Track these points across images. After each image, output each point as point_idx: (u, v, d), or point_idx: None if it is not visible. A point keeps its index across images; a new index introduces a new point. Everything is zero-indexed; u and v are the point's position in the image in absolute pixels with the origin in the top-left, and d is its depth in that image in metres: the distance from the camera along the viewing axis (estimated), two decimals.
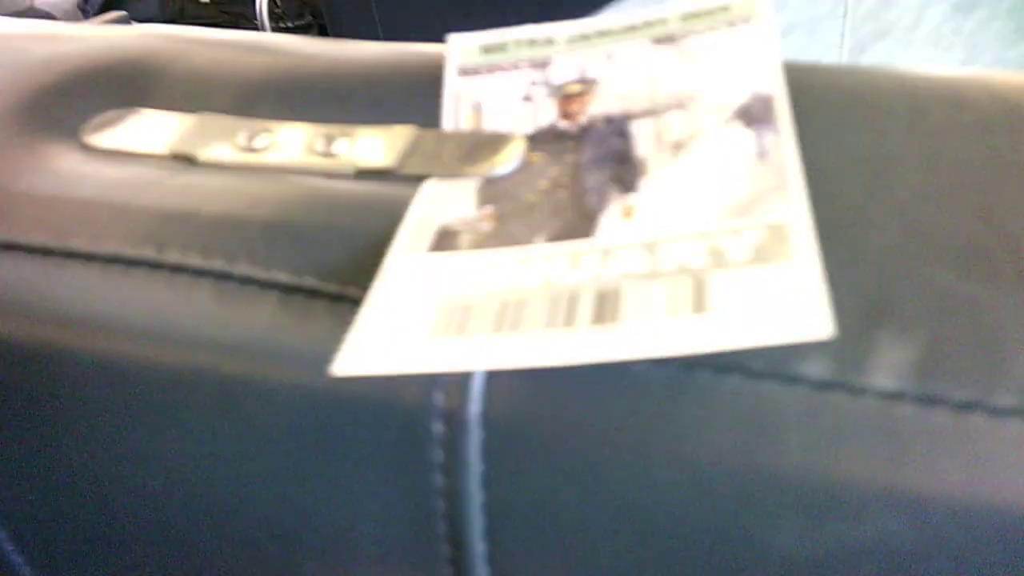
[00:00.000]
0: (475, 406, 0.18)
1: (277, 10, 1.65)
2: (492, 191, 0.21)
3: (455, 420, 0.18)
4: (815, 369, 0.17)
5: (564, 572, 0.19)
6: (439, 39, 0.26)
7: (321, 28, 1.58)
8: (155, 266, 0.21)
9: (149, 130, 0.25)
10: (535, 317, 0.17)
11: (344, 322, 0.19)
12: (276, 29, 1.55)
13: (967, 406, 0.16)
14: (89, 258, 0.22)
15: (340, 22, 1.19)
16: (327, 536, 0.20)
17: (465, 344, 0.17)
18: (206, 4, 1.65)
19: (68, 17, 1.66)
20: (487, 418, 0.18)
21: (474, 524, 0.19)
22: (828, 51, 1.13)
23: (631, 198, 0.20)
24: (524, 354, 0.17)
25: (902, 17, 1.12)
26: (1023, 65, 1.15)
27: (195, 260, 0.21)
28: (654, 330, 0.16)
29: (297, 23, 1.72)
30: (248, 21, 1.62)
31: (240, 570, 0.22)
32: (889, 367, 0.16)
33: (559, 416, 0.18)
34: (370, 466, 0.19)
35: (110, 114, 0.25)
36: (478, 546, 0.19)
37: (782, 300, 0.16)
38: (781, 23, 1.13)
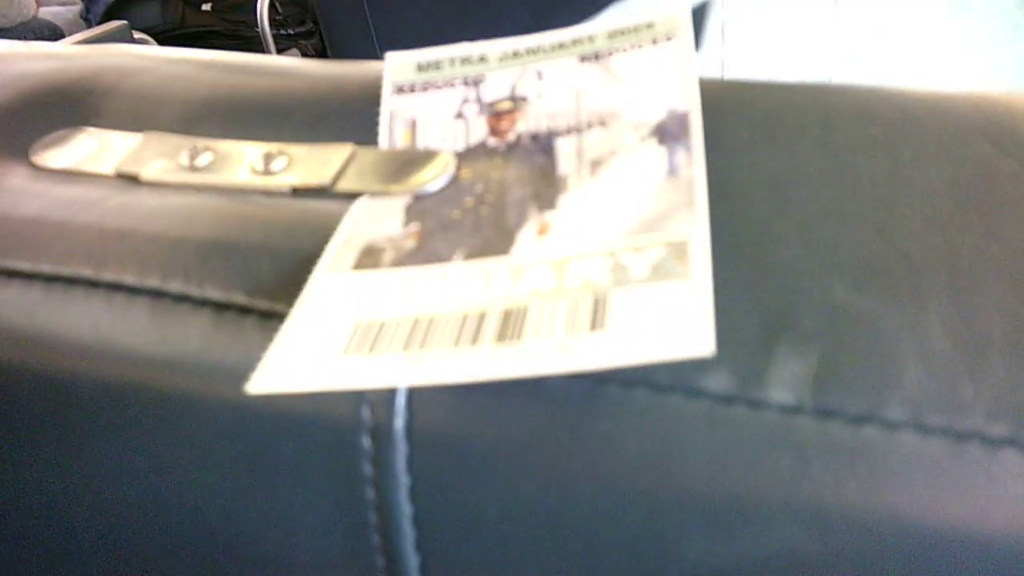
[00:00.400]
0: (400, 421, 0.18)
1: (278, 17, 1.66)
2: (420, 208, 0.22)
3: (382, 434, 0.18)
4: (717, 383, 0.17)
5: (492, 565, 0.19)
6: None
7: (322, 34, 1.59)
8: (93, 284, 0.22)
9: (96, 149, 0.25)
10: (444, 335, 0.18)
11: (273, 338, 0.19)
12: (277, 36, 1.56)
13: (862, 419, 0.16)
14: (31, 277, 0.22)
15: (335, 29, 1.19)
16: (266, 548, 0.21)
17: (374, 362, 0.18)
18: (207, 12, 1.67)
19: (71, 27, 1.67)
20: (411, 432, 0.18)
21: (406, 536, 0.19)
22: (819, 56, 1.13)
23: (548, 215, 0.20)
24: (429, 372, 0.17)
25: (893, 21, 1.12)
26: (1017, 67, 1.15)
27: (131, 278, 0.21)
28: (553, 347, 0.17)
29: (298, 30, 1.73)
30: (249, 28, 1.63)
31: None
32: (787, 381, 0.17)
33: (479, 430, 0.18)
34: (304, 479, 0.19)
35: (59, 133, 0.26)
36: (411, 558, 0.19)
37: (671, 318, 0.17)
38: (771, 28, 1.13)
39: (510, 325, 0.18)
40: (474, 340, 0.18)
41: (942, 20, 1.13)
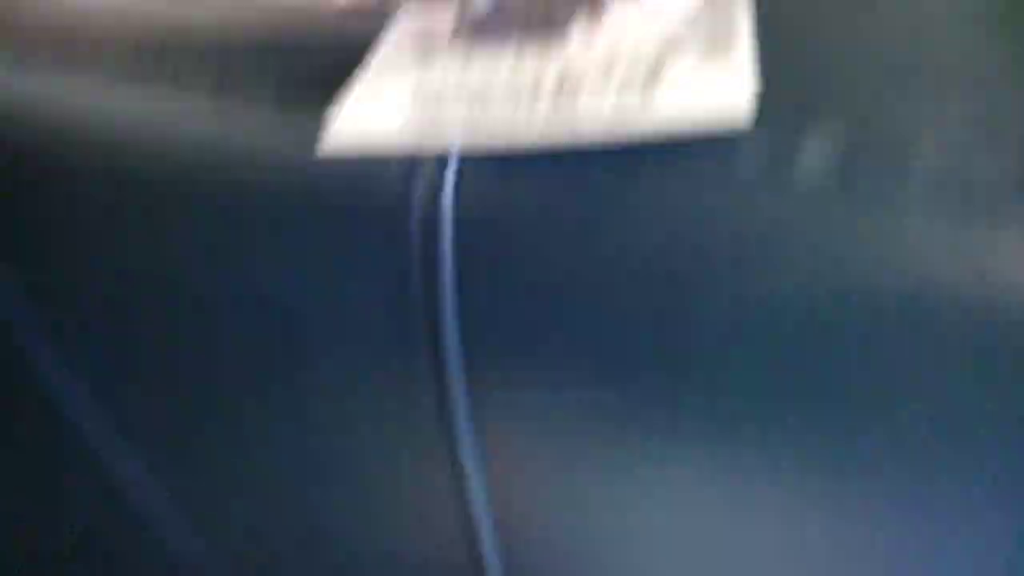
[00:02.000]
0: (448, 193, 0.20)
1: None
2: (471, 6, 0.23)
3: (431, 206, 0.20)
4: (746, 168, 0.18)
5: (529, 336, 0.21)
6: None
7: None
8: (154, 78, 0.23)
9: None
10: (502, 102, 0.19)
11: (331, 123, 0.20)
12: None
13: (879, 198, 0.18)
14: (91, 66, 0.23)
15: None
16: (325, 320, 0.22)
17: (438, 124, 0.19)
18: None
19: None
20: (459, 205, 0.20)
21: (447, 299, 0.21)
22: None
23: (600, 8, 0.22)
24: (490, 131, 0.19)
25: None
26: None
27: (190, 73, 0.23)
28: (606, 106, 0.18)
29: None
30: None
31: (249, 353, 0.24)
32: (812, 165, 0.18)
33: (522, 207, 0.20)
34: (358, 248, 0.21)
35: None
36: (451, 323, 0.21)
37: (714, 90, 0.18)
38: None
39: (566, 88, 0.19)
40: (532, 101, 0.19)
41: None
